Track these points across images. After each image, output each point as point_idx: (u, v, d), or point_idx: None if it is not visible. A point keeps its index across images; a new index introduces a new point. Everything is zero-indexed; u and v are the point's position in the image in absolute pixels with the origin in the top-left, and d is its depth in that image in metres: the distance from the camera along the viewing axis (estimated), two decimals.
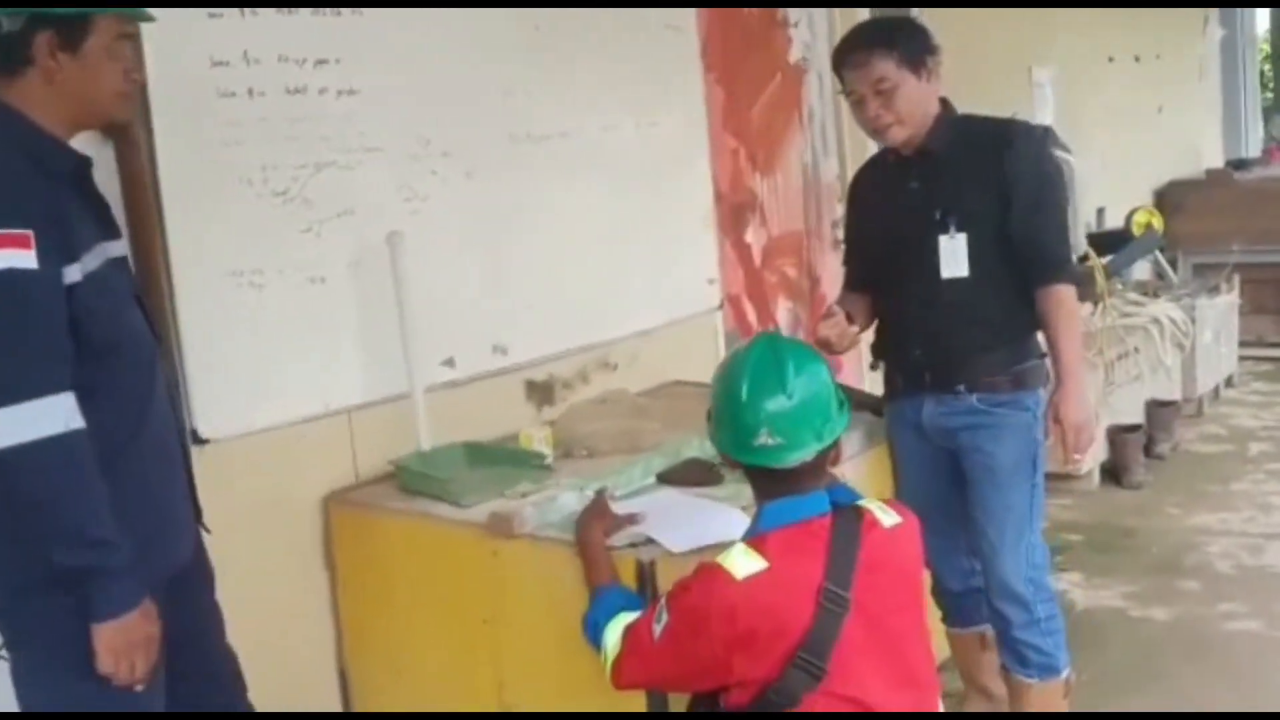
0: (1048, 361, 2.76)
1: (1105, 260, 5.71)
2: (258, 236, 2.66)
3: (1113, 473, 5.16)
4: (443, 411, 3.00)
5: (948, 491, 2.85)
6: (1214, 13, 8.92)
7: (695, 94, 3.91)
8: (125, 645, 1.83)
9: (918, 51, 2.66)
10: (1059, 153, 5.04)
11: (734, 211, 4.20)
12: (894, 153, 2.78)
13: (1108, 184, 6.68)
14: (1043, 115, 6.47)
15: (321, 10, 2.74)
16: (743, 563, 1.86)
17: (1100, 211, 6.59)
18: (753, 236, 4.33)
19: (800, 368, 1.96)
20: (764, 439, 1.93)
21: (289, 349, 2.73)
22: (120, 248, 1.99)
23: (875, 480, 2.95)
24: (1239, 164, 8.41)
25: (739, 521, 2.25)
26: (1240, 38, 9.58)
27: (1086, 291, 3.73)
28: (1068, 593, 4.05)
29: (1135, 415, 5.37)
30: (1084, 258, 5.24)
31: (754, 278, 4.33)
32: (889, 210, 2.81)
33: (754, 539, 1.95)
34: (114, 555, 1.80)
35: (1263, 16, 10.27)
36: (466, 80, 3.10)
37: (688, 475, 2.70)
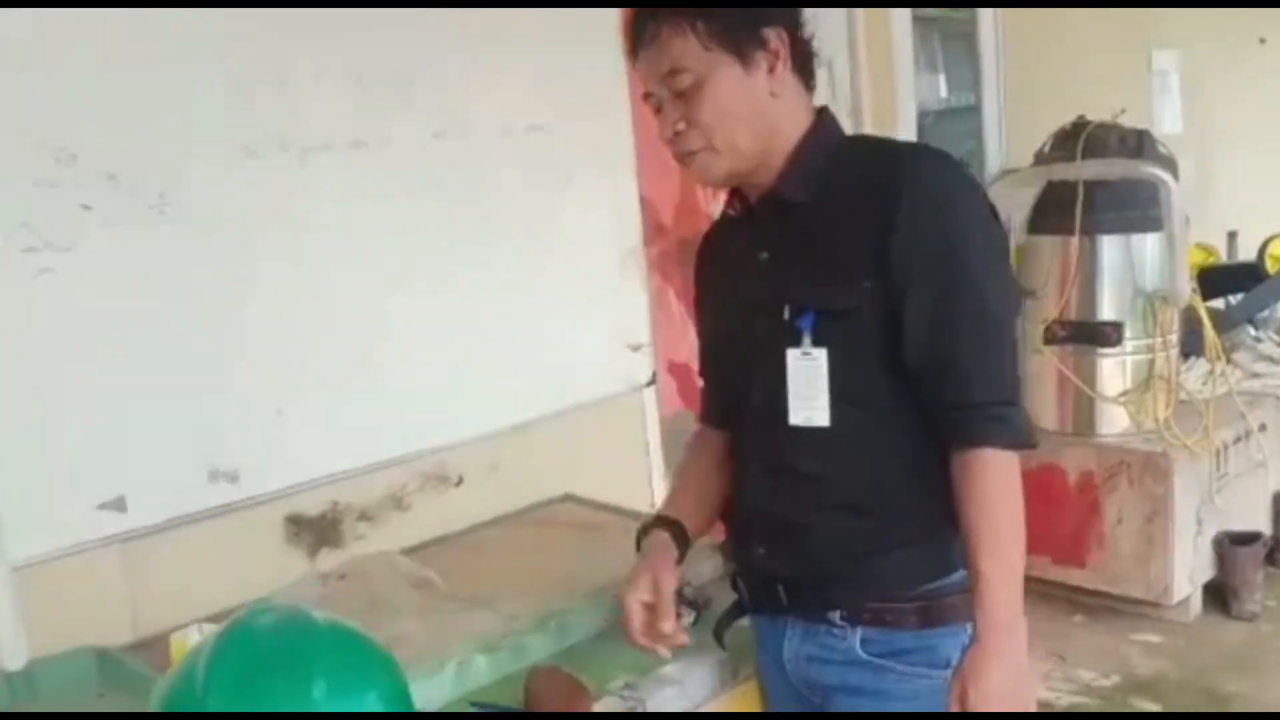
0: None
1: (1214, 304, 4.25)
2: None
3: (1219, 595, 3.75)
4: (116, 583, 1.89)
5: None
6: None
7: (614, 91, 2.62)
8: None
9: (743, 26, 1.43)
10: (1150, 169, 3.63)
11: (681, 249, 2.92)
12: (740, 200, 1.56)
13: (1248, 199, 5.13)
14: (1165, 113, 4.98)
15: None
16: None
17: (1232, 236, 5.05)
18: None
19: (332, 680, 1.03)
20: None
21: None
22: None
23: None
24: None
25: None
26: None
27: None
28: None
29: (1253, 519, 3.91)
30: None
31: None
32: (731, 297, 1.59)
33: None
34: None
35: None
36: (157, 62, 1.90)
37: None
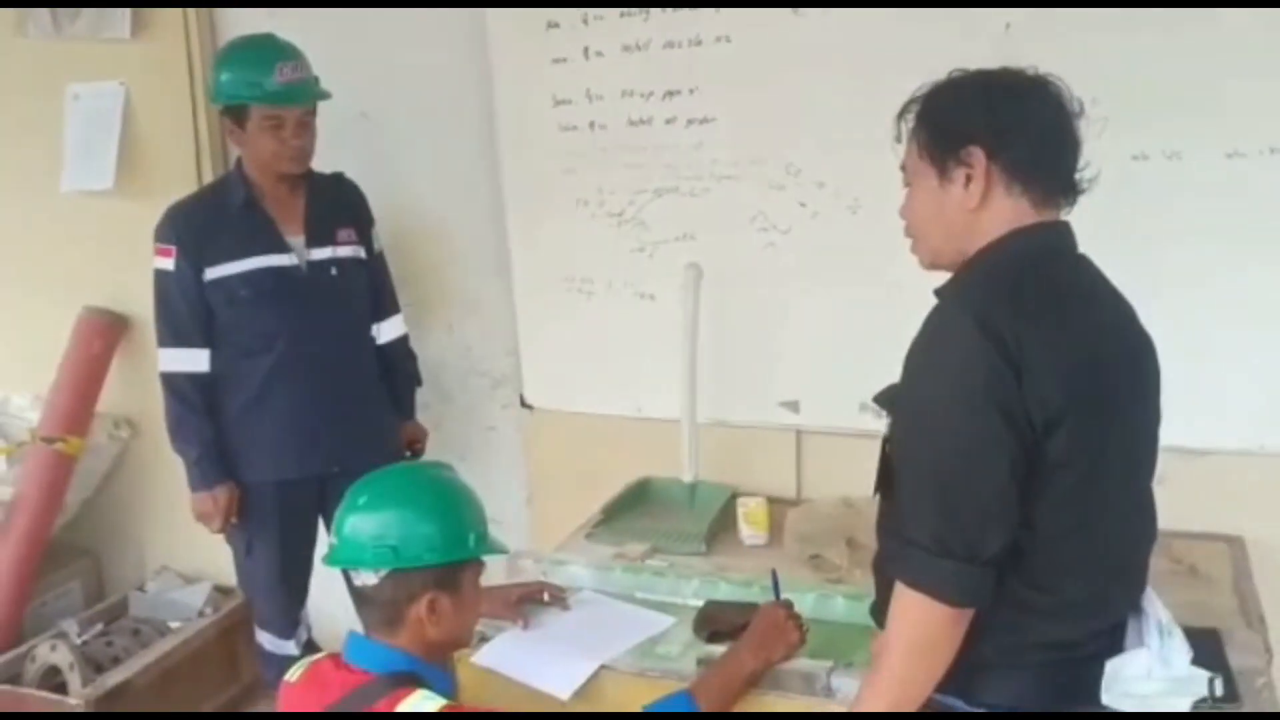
0: None
1: None
2: (590, 250, 2.79)
3: None
4: (783, 453, 2.72)
5: None
6: None
7: None
8: (198, 513, 2.60)
9: (944, 144, 1.46)
10: None
11: None
12: None
13: None
14: None
15: (676, 45, 2.58)
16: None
17: None
18: None
19: (373, 498, 1.55)
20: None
21: (611, 351, 2.83)
22: (286, 259, 2.56)
23: None
24: None
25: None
26: None
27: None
28: None
29: None
30: None
31: None
32: None
33: None
34: (188, 454, 2.56)
35: None
36: (865, 98, 2.46)
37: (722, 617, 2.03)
